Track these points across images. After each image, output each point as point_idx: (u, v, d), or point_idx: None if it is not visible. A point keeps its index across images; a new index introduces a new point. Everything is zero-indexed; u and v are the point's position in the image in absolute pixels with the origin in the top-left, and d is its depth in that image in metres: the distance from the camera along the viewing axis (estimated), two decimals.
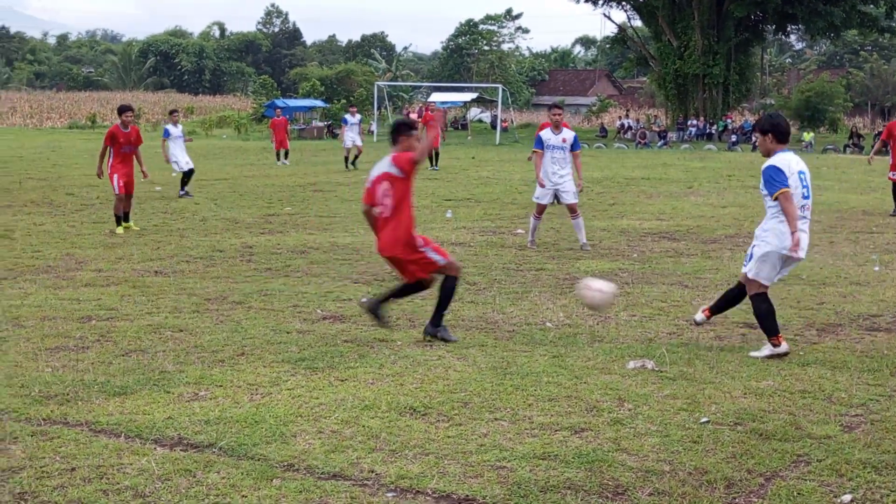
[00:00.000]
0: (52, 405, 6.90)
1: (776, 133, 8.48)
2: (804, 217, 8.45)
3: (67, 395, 7.14)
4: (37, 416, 6.64)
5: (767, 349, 8.45)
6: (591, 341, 9.00)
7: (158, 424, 6.46)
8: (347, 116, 34.42)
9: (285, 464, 5.80)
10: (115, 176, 16.59)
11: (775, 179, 8.28)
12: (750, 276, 8.54)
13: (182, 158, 23.39)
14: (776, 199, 8.26)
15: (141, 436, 6.27)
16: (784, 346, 8.42)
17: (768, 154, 8.52)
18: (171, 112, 25.25)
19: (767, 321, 8.48)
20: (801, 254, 8.40)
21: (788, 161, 8.39)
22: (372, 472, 5.70)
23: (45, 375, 7.66)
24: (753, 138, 54.97)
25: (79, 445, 6.08)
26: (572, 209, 15.02)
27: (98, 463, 5.78)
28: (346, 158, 33.26)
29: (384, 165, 9.03)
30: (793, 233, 8.20)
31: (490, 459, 5.91)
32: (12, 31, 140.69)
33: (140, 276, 12.32)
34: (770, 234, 8.42)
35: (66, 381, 7.50)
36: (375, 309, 9.11)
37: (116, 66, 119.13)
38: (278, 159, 35.59)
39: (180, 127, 24.16)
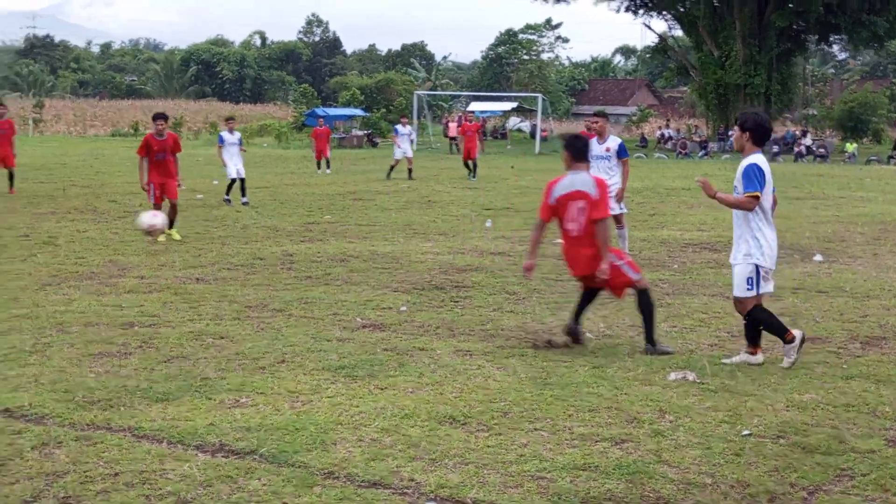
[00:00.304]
0: (95, 410, 6.97)
1: (756, 133, 8.47)
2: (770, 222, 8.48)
3: (111, 400, 7.21)
4: (80, 422, 6.72)
5: (791, 351, 8.41)
6: (631, 352, 8.97)
7: (200, 431, 6.50)
8: (399, 126, 34.27)
9: (326, 471, 5.82)
10: (151, 185, 16.57)
11: (756, 179, 8.28)
12: (752, 294, 8.45)
13: (232, 165, 23.16)
14: (747, 198, 8.23)
15: (183, 442, 6.32)
16: (799, 333, 8.45)
17: (742, 150, 8.53)
18: (228, 119, 25.08)
19: (774, 325, 8.45)
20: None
21: (766, 164, 8.40)
22: (412, 480, 5.71)
23: (88, 381, 7.74)
24: (796, 149, 54.61)
25: (122, 451, 6.14)
26: (617, 220, 14.87)
27: (141, 468, 5.83)
28: (392, 168, 32.86)
29: (581, 184, 8.99)
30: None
31: (530, 470, 5.90)
32: (57, 39, 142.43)
33: (182, 283, 12.41)
34: (753, 250, 8.36)
35: (110, 386, 7.57)
36: (575, 331, 9.07)
37: (159, 75, 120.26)
38: (318, 168, 35.75)
39: (237, 135, 23.77)
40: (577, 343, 9.11)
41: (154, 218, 11.36)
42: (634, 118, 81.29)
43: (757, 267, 8.35)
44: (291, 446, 6.21)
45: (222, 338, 9.34)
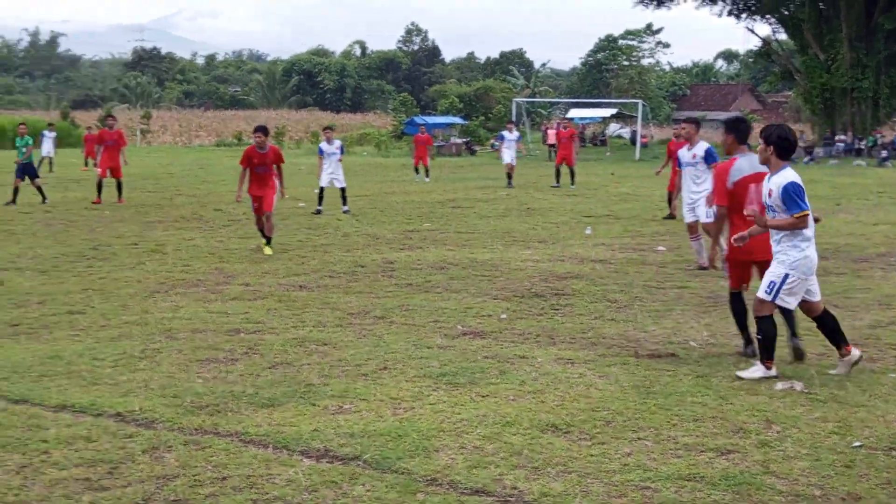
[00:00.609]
0: (203, 415, 7.11)
1: (781, 147, 8.18)
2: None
3: (218, 405, 7.35)
4: (189, 426, 6.86)
5: (760, 371, 8.19)
6: (736, 361, 8.82)
7: (305, 436, 6.59)
8: (505, 133, 34.20)
9: (428, 478, 5.85)
10: (251, 197, 16.39)
11: (799, 197, 8.01)
12: (769, 299, 8.21)
13: (325, 175, 23.30)
14: (797, 218, 7.98)
15: (288, 447, 6.40)
16: (774, 371, 8.23)
17: (766, 163, 8.26)
18: (325, 129, 25.28)
19: (767, 346, 8.26)
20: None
21: (798, 177, 8.15)
22: (514, 488, 5.70)
23: (196, 386, 7.90)
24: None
25: (229, 455, 6.25)
26: (692, 228, 14.63)
27: (248, 473, 5.93)
28: (510, 175, 32.69)
29: (757, 165, 8.78)
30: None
31: (634, 479, 5.84)
32: (163, 51, 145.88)
33: (285, 290, 12.59)
34: (790, 258, 8.12)
35: (217, 392, 7.72)
36: (798, 347, 8.96)
37: (261, 85, 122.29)
38: (416, 174, 35.90)
39: (336, 143, 23.82)
40: (800, 359, 8.90)
41: None
42: None
43: (786, 275, 8.13)
44: (394, 452, 6.25)
45: (325, 344, 9.45)
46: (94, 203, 24.46)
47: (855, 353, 8.38)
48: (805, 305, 8.42)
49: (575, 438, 6.58)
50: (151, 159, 50.88)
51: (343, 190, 23.42)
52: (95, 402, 7.43)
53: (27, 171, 25.36)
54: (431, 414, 7.12)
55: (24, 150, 25.41)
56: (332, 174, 23.36)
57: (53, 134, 43.18)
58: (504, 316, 10.86)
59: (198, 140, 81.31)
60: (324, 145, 23.52)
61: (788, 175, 8.12)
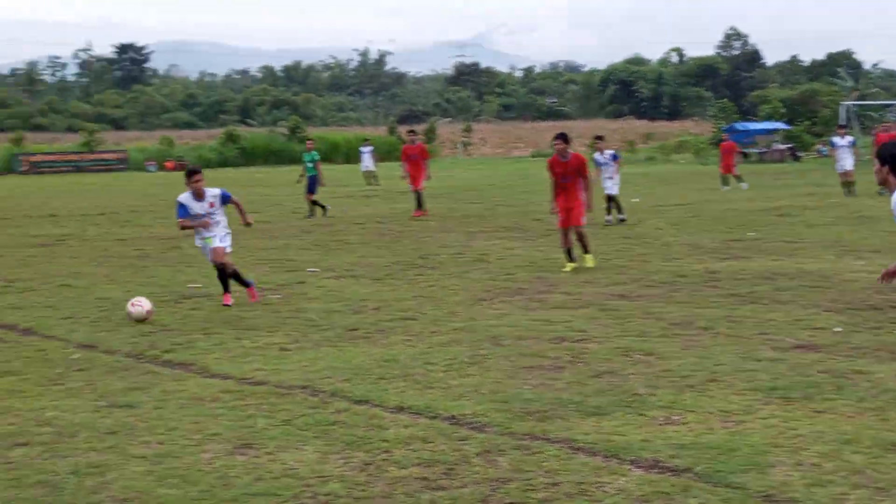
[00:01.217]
0: (532, 421, 7.25)
1: None
2: None
3: (546, 412, 7.47)
4: (519, 431, 7.01)
5: None
6: None
7: (634, 446, 6.58)
8: (836, 139, 32.12)
9: (764, 494, 5.68)
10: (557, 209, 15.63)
11: None
12: None
13: (609, 184, 23.57)
14: None
15: (618, 456, 6.41)
16: None
17: (884, 184, 7.12)
18: (596, 138, 25.50)
19: None
20: None
21: None
22: None
23: (524, 392, 8.07)
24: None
25: (560, 461, 6.34)
26: None
27: (579, 479, 5.99)
28: (848, 184, 30.00)
29: None
30: None
31: None
32: (483, 66, 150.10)
33: (606, 299, 12.61)
34: None
35: (544, 398, 7.85)
36: None
37: (577, 96, 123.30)
38: (722, 185, 34.72)
39: (607, 153, 24.34)
40: None
41: (134, 308, 11.59)
42: None
43: None
44: (727, 466, 6.12)
45: (650, 354, 9.39)
46: (414, 216, 25.44)
47: None
48: None
49: None
50: (472, 171, 52.50)
51: (609, 198, 23.46)
52: (430, 404, 7.75)
53: (312, 185, 26.77)
54: (763, 428, 6.91)
55: (310, 164, 26.89)
56: (610, 179, 23.70)
57: (370, 148, 45.47)
58: (838, 329, 10.36)
59: (516, 151, 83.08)
60: (597, 156, 24.00)
61: None
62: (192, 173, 12.84)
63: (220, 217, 12.92)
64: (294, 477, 6.19)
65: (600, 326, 10.83)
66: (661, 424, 7.10)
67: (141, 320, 11.53)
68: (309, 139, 31.62)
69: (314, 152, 27.44)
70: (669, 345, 9.81)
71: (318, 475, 6.21)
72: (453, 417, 7.40)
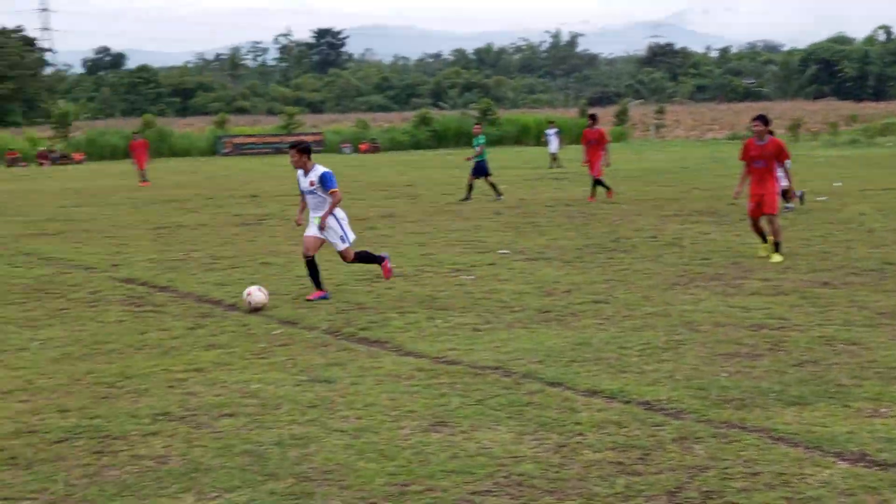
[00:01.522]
0: (730, 409, 7.08)
1: None
2: None
3: (744, 400, 7.29)
4: (716, 419, 6.87)
5: None
6: None
7: (838, 438, 6.35)
8: None
9: None
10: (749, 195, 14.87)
11: None
12: None
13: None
14: None
15: (821, 448, 6.20)
16: None
17: None
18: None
19: None
20: None
21: None
22: None
23: (721, 380, 7.89)
24: None
25: (758, 451, 6.17)
26: None
27: (779, 470, 5.82)
28: None
29: None
30: None
31: None
32: (677, 47, 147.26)
33: (808, 286, 12.19)
34: None
35: (742, 386, 7.66)
36: None
37: (776, 76, 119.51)
38: None
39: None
40: None
41: (251, 296, 11.05)
42: None
43: None
44: None
45: (854, 344, 9.03)
46: (608, 197, 25.12)
47: None
48: None
49: None
50: (665, 154, 51.65)
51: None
52: (624, 389, 7.68)
53: (480, 168, 26.62)
54: None
55: (476, 148, 26.80)
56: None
57: (555, 130, 45.25)
58: None
59: (710, 134, 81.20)
60: None
61: None
62: (290, 147, 12.51)
63: (321, 199, 12.29)
64: (488, 456, 6.24)
65: (801, 314, 10.48)
66: (867, 416, 6.82)
67: (258, 309, 11.49)
68: (477, 123, 31.57)
69: (481, 136, 27.38)
70: (876, 335, 9.41)
71: (512, 455, 6.24)
72: (648, 403, 7.31)
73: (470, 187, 26.57)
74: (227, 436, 6.81)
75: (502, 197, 26.15)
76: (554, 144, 44.13)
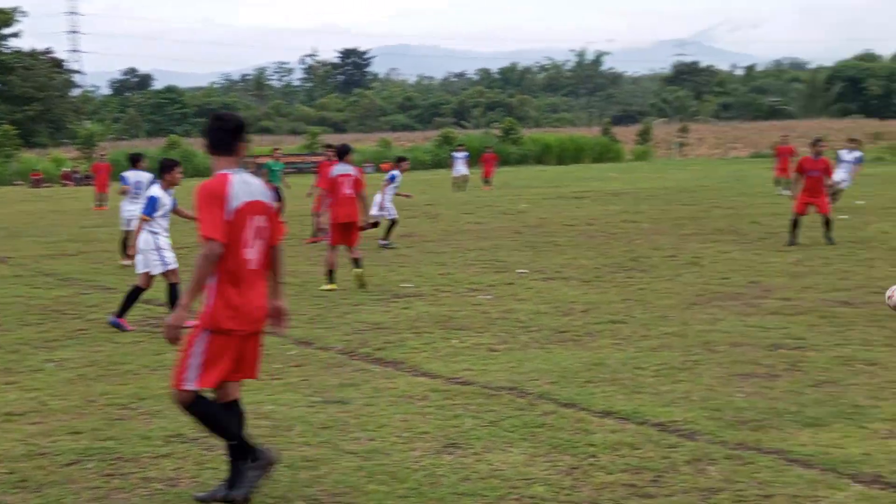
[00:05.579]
0: (745, 430, 7.02)
1: None
2: None
3: (760, 421, 7.22)
4: (731, 440, 6.80)
5: None
6: None
7: (854, 459, 6.28)
8: None
9: None
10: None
11: None
12: None
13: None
14: None
15: (835, 469, 6.13)
16: None
17: None
18: (850, 140, 25.86)
19: None
20: None
21: None
22: None
23: (737, 401, 7.82)
24: None
25: (773, 473, 6.11)
26: None
27: (793, 493, 5.76)
28: None
29: None
30: None
31: None
32: (702, 64, 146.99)
33: (828, 306, 12.09)
34: None
35: (758, 407, 7.59)
36: None
37: (802, 94, 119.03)
38: None
39: (855, 153, 25.29)
40: None
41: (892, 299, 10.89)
42: None
43: None
44: None
45: (873, 364, 8.94)
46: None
47: None
48: None
49: None
50: (687, 172, 51.45)
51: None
52: (638, 409, 7.62)
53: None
54: None
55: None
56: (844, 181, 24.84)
57: (465, 154, 44.23)
58: None
59: (734, 152, 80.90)
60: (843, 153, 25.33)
61: None
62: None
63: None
64: (500, 478, 6.20)
65: (820, 334, 10.40)
66: (883, 438, 6.74)
67: None
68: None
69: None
70: (895, 354, 9.32)
71: (524, 477, 6.20)
72: (662, 424, 7.25)
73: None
74: None
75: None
76: (461, 167, 43.65)
